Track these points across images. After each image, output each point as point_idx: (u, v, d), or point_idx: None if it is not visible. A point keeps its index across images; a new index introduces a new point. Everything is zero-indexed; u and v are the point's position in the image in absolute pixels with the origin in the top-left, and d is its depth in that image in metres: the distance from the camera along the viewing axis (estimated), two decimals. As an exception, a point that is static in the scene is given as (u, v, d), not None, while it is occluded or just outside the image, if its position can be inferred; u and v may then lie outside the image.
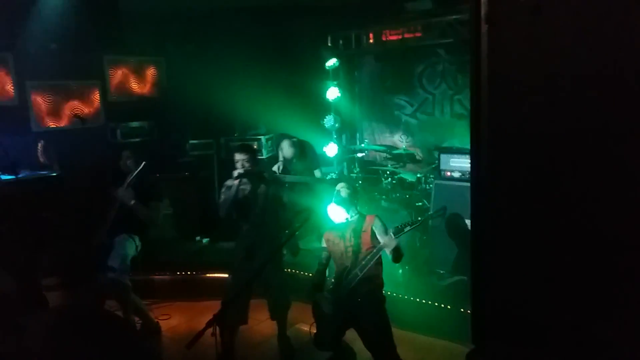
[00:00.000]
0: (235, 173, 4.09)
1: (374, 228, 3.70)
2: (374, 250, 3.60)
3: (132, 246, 4.49)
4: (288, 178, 5.48)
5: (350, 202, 3.85)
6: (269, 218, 4.11)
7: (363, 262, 3.59)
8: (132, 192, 4.34)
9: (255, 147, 4.67)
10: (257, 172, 4.19)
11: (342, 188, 3.89)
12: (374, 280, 3.67)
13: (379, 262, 3.69)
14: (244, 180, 4.11)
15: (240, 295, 3.87)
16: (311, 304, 3.92)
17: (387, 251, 3.58)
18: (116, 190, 4.33)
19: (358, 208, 3.95)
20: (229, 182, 4.13)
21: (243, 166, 4.09)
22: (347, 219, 3.84)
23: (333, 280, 3.81)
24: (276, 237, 4.07)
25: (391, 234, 3.58)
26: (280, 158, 5.72)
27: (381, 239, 3.66)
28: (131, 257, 4.47)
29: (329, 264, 3.96)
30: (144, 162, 4.35)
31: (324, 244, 3.95)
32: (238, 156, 4.13)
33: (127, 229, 4.46)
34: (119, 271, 4.30)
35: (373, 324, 3.54)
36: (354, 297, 3.58)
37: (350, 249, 3.71)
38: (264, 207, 4.10)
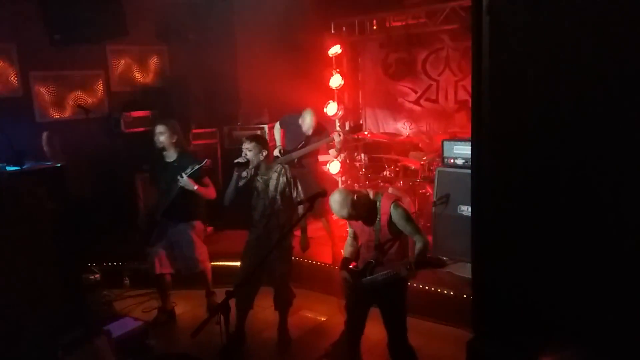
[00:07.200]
0: (235, 161, 4.10)
1: (394, 221, 3.24)
2: (391, 274, 3.18)
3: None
4: (294, 154, 5.43)
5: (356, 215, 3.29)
6: (278, 209, 4.12)
7: (385, 274, 3.23)
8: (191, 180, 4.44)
9: (263, 137, 4.60)
10: (260, 162, 4.12)
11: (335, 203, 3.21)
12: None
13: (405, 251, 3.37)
14: (251, 170, 4.12)
15: (247, 282, 4.00)
16: (317, 292, 3.76)
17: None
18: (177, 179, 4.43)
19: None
20: (243, 173, 4.16)
21: (245, 155, 4.09)
22: None
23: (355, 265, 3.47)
24: (284, 228, 4.10)
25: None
26: (278, 144, 5.68)
27: (403, 230, 3.26)
28: None
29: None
30: (206, 159, 4.48)
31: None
32: (243, 145, 4.13)
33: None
34: None
35: (391, 303, 3.36)
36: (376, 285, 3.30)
37: (371, 244, 3.34)
38: (273, 198, 4.11)
